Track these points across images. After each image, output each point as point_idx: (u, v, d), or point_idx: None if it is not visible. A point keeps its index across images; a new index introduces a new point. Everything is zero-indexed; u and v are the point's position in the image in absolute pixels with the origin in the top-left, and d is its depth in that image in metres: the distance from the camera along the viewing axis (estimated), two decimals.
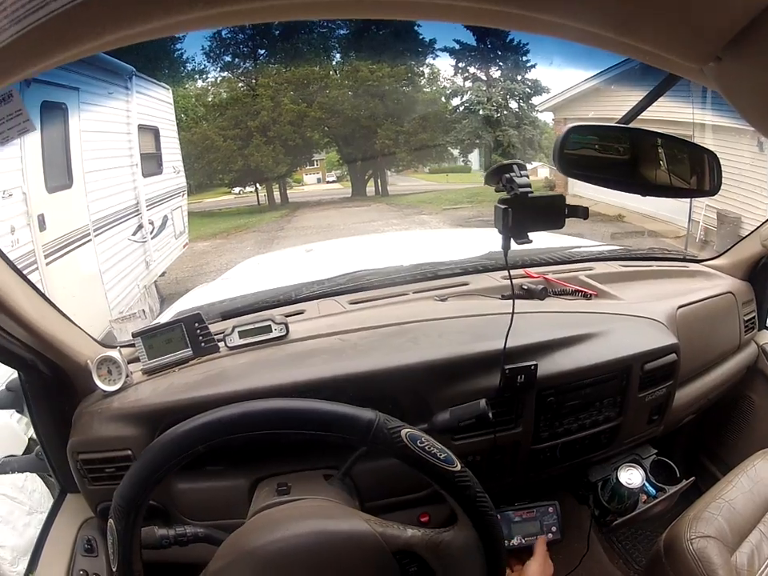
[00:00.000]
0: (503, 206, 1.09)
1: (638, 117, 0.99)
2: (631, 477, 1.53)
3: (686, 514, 1.57)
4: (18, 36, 0.39)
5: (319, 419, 0.91)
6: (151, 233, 6.39)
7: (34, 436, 1.92)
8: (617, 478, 1.53)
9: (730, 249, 2.14)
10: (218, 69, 14.13)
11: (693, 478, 1.62)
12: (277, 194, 15.65)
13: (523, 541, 1.41)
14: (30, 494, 1.83)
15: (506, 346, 1.31)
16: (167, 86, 7.53)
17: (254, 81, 14.17)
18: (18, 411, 1.53)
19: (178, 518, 1.33)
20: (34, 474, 1.83)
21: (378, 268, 2.01)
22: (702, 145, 1.09)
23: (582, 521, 1.68)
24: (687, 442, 2.30)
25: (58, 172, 4.63)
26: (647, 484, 1.56)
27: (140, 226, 6.16)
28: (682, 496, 1.62)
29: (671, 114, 6.43)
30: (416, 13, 0.48)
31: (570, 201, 1.12)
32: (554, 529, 1.42)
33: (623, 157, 0.99)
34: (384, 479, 1.32)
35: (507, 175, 1.12)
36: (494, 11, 0.46)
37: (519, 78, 15.04)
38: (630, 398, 1.54)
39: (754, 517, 1.58)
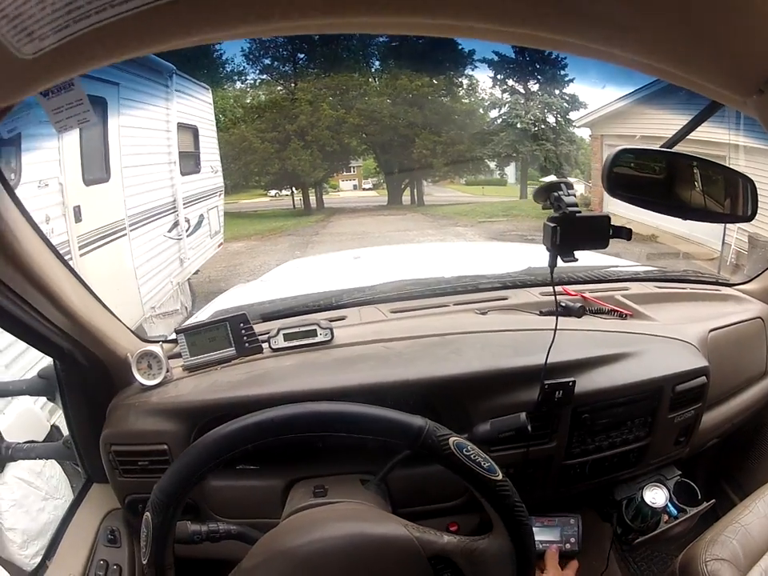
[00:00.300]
0: (552, 224, 1.10)
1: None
2: (656, 496, 1.55)
3: (703, 537, 1.54)
4: (98, 26, 0.40)
5: (371, 423, 0.94)
6: (187, 231, 6.43)
7: (57, 423, 1.95)
8: (642, 497, 1.55)
9: (761, 274, 2.14)
10: (257, 71, 14.33)
11: (713, 500, 1.62)
12: (312, 198, 15.77)
13: (540, 546, 1.43)
14: (48, 479, 1.85)
15: (547, 362, 1.32)
16: (207, 86, 7.60)
17: (293, 85, 14.30)
18: (49, 399, 1.54)
19: (208, 515, 1.34)
20: (53, 461, 1.86)
21: (419, 278, 2.06)
22: (737, 170, 1.11)
23: (602, 538, 1.71)
24: (709, 465, 2.28)
25: (96, 165, 4.67)
26: (670, 504, 1.57)
27: (176, 224, 6.20)
28: (699, 519, 1.61)
29: (707, 134, 6.34)
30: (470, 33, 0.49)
31: None
32: (572, 540, 1.47)
33: (659, 176, 1.02)
34: (417, 487, 1.35)
35: (555, 194, 1.13)
36: (558, 40, 0.47)
37: (557, 92, 15.02)
38: (659, 418, 1.54)
39: (766, 542, 1.56)
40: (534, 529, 1.42)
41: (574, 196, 1.13)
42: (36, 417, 2.31)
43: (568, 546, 1.46)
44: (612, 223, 1.13)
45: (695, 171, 1.02)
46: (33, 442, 1.59)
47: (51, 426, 2.31)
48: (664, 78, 0.52)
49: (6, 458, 1.47)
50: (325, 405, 0.95)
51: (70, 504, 1.54)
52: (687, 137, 1.02)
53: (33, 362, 2.51)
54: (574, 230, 1.11)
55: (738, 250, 7.37)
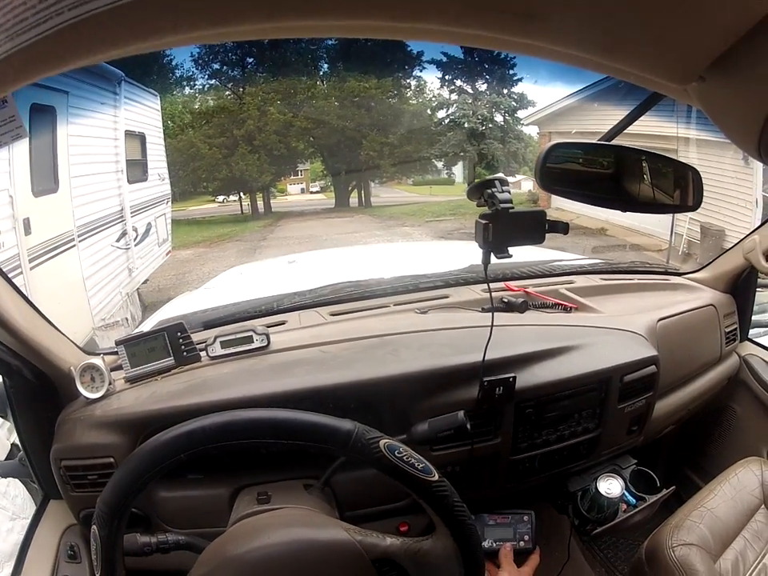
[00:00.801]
0: (484, 221, 1.12)
1: (627, 131, 1.01)
2: (610, 487, 1.56)
3: (668, 523, 1.59)
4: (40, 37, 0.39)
5: (299, 429, 0.93)
6: (135, 240, 6.35)
7: (17, 441, 1.90)
8: (596, 488, 1.56)
9: (712, 262, 2.18)
10: (206, 76, 14.11)
11: (673, 487, 1.64)
12: (260, 203, 15.60)
13: (494, 545, 1.46)
14: (13, 499, 1.82)
15: (486, 359, 1.33)
16: (155, 93, 7.51)
17: (241, 89, 14.13)
18: (1, 416, 1.52)
19: (159, 526, 1.34)
20: (16, 480, 1.82)
21: (359, 280, 2.03)
22: (684, 161, 1.10)
23: (562, 530, 1.72)
24: (669, 452, 2.33)
25: (45, 176, 4.61)
26: (627, 493, 1.58)
27: (124, 233, 6.13)
28: (664, 505, 1.65)
29: (655, 128, 6.51)
30: (403, 34, 0.49)
31: (553, 214, 1.15)
32: (526, 537, 1.47)
33: (607, 171, 1.00)
34: (363, 489, 1.35)
35: (489, 191, 1.14)
36: (477, 35, 0.46)
37: (505, 91, 15.16)
38: (609, 409, 1.56)
39: (737, 524, 1.61)
40: (487, 527, 1.47)
41: (509, 192, 1.14)
42: None
43: (522, 543, 1.47)
44: (548, 218, 1.16)
45: (644, 165, 1.01)
46: None
47: (11, 444, 2.25)
48: (596, 70, 0.53)
49: None
50: (254, 412, 0.94)
51: (30, 522, 1.50)
52: (638, 132, 1.03)
53: None
54: (508, 227, 1.12)
55: (689, 240, 7.58)
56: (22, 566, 1.38)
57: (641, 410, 1.64)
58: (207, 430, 0.91)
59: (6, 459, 2.07)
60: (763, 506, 1.68)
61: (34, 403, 1.41)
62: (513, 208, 1.11)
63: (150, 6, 0.36)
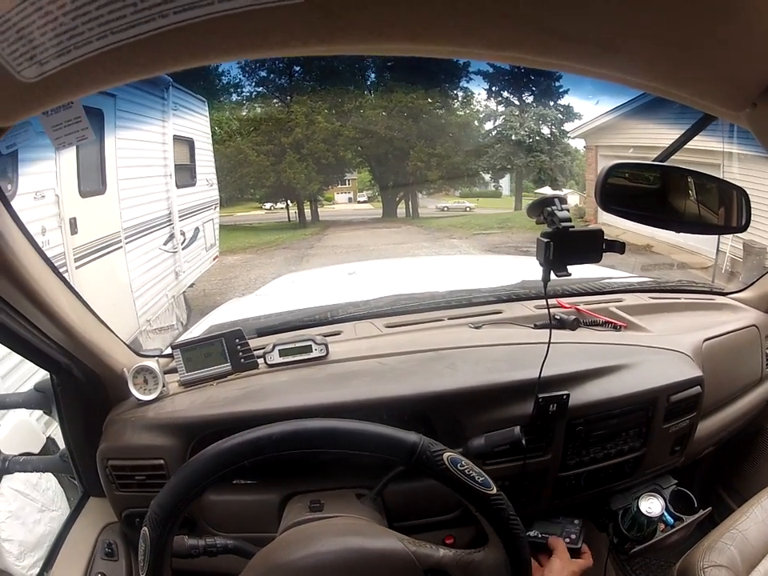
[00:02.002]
0: (546, 240, 1.11)
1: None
2: (651, 506, 1.53)
3: (701, 544, 1.55)
4: (99, 52, 0.40)
5: (367, 440, 0.95)
6: (182, 243, 6.41)
7: (53, 435, 1.94)
8: (637, 507, 1.54)
9: (755, 282, 2.15)
10: (254, 84, 14.37)
11: (710, 508, 1.61)
12: (307, 211, 15.79)
13: (539, 535, 1.43)
14: (44, 491, 1.85)
15: (541, 375, 1.32)
16: (203, 99, 7.60)
17: (288, 97, 14.34)
18: (45, 412, 1.54)
19: (205, 529, 1.34)
20: (49, 473, 1.85)
21: (414, 293, 2.05)
22: (731, 181, 1.12)
23: (599, 548, 1.65)
24: (706, 472, 2.28)
25: (92, 177, 4.66)
26: (666, 513, 1.56)
27: (171, 236, 6.18)
28: (697, 526, 1.60)
29: (701, 142, 6.36)
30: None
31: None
32: (573, 536, 1.44)
33: (653, 189, 1.02)
34: (412, 501, 1.35)
35: (549, 209, 1.14)
36: (538, 60, 0.47)
37: (552, 103, 15.13)
38: (654, 428, 1.54)
39: (766, 546, 1.56)
40: (536, 521, 1.44)
41: (568, 210, 1.14)
42: (31, 429, 2.29)
43: (568, 540, 1.43)
44: (605, 237, 1.15)
45: (690, 183, 1.03)
46: (29, 454, 1.58)
47: (47, 438, 2.30)
48: (656, 94, 0.53)
49: (2, 470, 1.46)
50: (322, 422, 0.96)
51: (67, 517, 1.53)
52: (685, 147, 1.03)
53: (30, 372, 2.51)
54: (567, 245, 1.12)
55: (732, 258, 7.40)
56: (55, 559, 1.41)
57: (684, 430, 1.62)
58: (274, 439, 0.92)
59: (40, 452, 2.11)
60: None
61: (82, 402, 1.41)
62: (573, 227, 1.11)
63: (265, 19, 0.38)
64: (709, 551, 1.49)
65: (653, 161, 1.00)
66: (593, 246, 1.15)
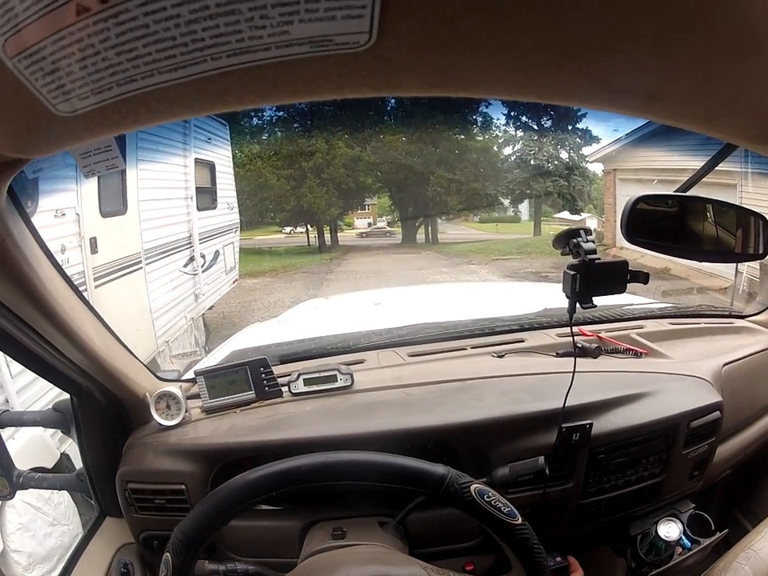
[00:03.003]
0: (572, 272, 1.13)
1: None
2: (670, 530, 1.54)
3: (716, 566, 1.52)
4: (143, 91, 0.39)
5: (396, 473, 0.97)
6: (202, 266, 6.45)
7: (67, 452, 1.94)
8: (656, 532, 1.54)
9: None
10: (275, 108, 14.52)
11: (726, 530, 1.60)
12: (327, 236, 15.88)
13: None
14: (56, 506, 1.85)
15: (565, 405, 1.33)
16: (225, 122, 7.69)
17: (309, 122, 14.51)
18: (63, 432, 1.54)
19: (224, 554, 1.34)
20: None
21: (437, 322, 2.06)
22: (749, 208, 1.13)
23: (616, 573, 1.69)
24: (722, 494, 2.25)
25: (113, 198, 4.71)
26: (684, 537, 1.55)
27: (191, 259, 6.24)
28: (713, 548, 1.59)
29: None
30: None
31: (618, 253, 1.14)
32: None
33: (676, 217, 1.05)
34: (434, 528, 1.34)
35: (575, 240, 1.15)
36: (582, 105, 0.48)
37: (570, 127, 15.16)
38: (674, 454, 1.54)
39: None
40: None
41: (593, 242, 1.15)
42: (45, 444, 2.28)
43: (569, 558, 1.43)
44: (629, 267, 1.16)
45: (708, 213, 1.05)
46: (43, 469, 1.58)
47: (61, 454, 2.30)
48: (687, 129, 0.53)
49: (17, 485, 1.46)
50: (351, 454, 0.97)
51: (83, 535, 1.54)
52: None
53: (46, 388, 2.51)
54: (592, 277, 1.13)
55: (750, 278, 7.37)
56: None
57: (703, 455, 1.61)
58: (304, 470, 0.94)
59: (53, 468, 2.12)
60: None
61: (102, 424, 1.42)
62: (599, 259, 1.13)
63: (322, 66, 0.37)
64: (724, 572, 1.48)
65: (675, 191, 1.05)
66: (617, 276, 1.16)
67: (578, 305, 1.16)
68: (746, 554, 1.52)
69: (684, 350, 1.84)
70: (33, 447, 2.18)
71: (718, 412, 1.58)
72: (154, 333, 5.15)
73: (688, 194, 1.05)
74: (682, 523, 1.57)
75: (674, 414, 1.50)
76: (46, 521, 1.78)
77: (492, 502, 0.97)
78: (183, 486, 1.31)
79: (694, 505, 1.66)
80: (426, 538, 1.34)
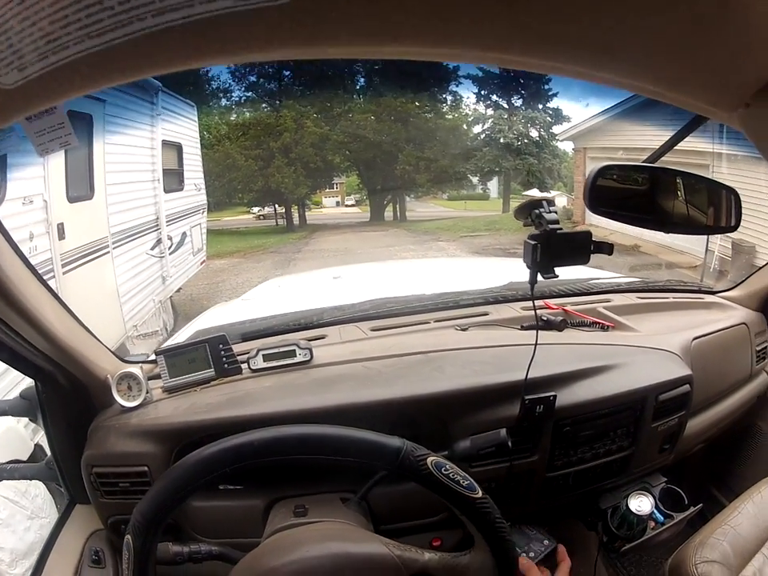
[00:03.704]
0: (533, 242, 1.10)
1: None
2: (641, 504, 1.54)
3: (692, 540, 1.56)
4: (78, 57, 0.39)
5: (349, 446, 0.94)
6: (169, 248, 6.39)
7: (41, 442, 1.93)
8: (627, 506, 1.55)
9: (744, 280, 2.16)
10: (243, 88, 14.37)
11: (701, 505, 1.63)
12: (295, 215, 15.77)
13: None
14: (33, 499, 1.83)
15: (527, 377, 1.32)
16: (192, 104, 7.59)
17: (277, 102, 14.36)
18: (31, 420, 1.52)
19: (190, 535, 1.32)
20: (38, 480, 1.84)
21: (399, 296, 2.03)
22: (720, 181, 1.11)
23: (589, 547, 1.70)
24: (696, 469, 2.29)
25: (80, 182, 4.65)
26: (656, 511, 1.57)
27: (159, 241, 6.18)
28: (688, 523, 1.62)
29: (690, 143, 6.39)
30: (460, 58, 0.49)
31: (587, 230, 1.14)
32: (531, 554, 1.40)
33: (642, 187, 1.01)
34: (398, 504, 1.33)
35: (537, 211, 1.13)
36: (530, 62, 0.46)
37: (541, 106, 15.20)
38: (643, 428, 1.54)
39: (758, 541, 1.58)
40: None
41: (556, 213, 1.13)
42: (19, 436, 2.28)
43: (524, 558, 1.40)
44: (593, 238, 1.14)
45: (678, 184, 1.02)
46: (17, 461, 1.57)
47: (35, 445, 2.28)
48: (649, 96, 0.52)
49: None
50: (304, 428, 0.95)
51: (54, 525, 1.49)
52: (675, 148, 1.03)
53: (18, 378, 2.49)
54: (554, 247, 1.11)
55: (721, 257, 7.46)
56: (43, 567, 1.39)
57: (673, 428, 1.62)
58: (256, 445, 0.92)
59: (28, 460, 2.10)
60: None
61: (67, 409, 1.40)
62: (561, 229, 1.11)
63: (248, 21, 0.36)
64: (701, 547, 1.50)
65: (643, 161, 1.00)
66: (581, 247, 1.14)
67: (540, 276, 1.13)
68: (723, 529, 1.56)
69: (652, 324, 1.85)
70: (7, 440, 2.17)
71: (687, 385, 1.59)
72: (122, 317, 5.11)
73: (656, 165, 1.00)
74: (654, 497, 1.59)
75: (642, 387, 1.50)
76: (24, 514, 1.77)
77: (450, 474, 0.95)
78: (146, 468, 1.29)
79: (666, 479, 1.67)
80: (391, 513, 1.34)
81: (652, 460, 1.65)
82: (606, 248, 1.15)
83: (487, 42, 0.42)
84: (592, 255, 1.15)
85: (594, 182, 0.97)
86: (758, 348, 2.04)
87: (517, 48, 0.43)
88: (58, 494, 1.77)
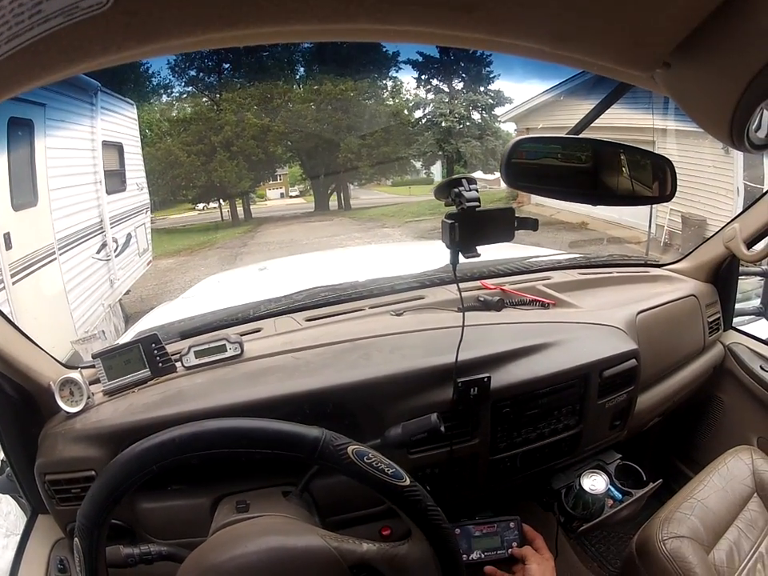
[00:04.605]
0: (450, 221, 1.12)
1: (601, 125, 1.01)
2: (594, 483, 1.54)
3: (657, 515, 1.60)
4: (25, 45, 0.39)
5: (267, 438, 0.93)
6: (115, 251, 6.31)
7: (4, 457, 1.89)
8: (580, 485, 1.55)
9: (692, 252, 2.19)
10: (183, 84, 14.10)
11: (660, 480, 1.64)
12: (240, 209, 15.58)
13: (483, 555, 1.42)
14: (6, 515, 1.80)
15: (460, 359, 1.33)
16: (132, 102, 7.47)
17: (218, 95, 14.11)
18: None
19: (143, 537, 1.34)
20: (8, 496, 1.81)
21: (334, 284, 2.02)
22: (659, 152, 1.11)
23: (549, 528, 1.66)
24: (657, 444, 2.34)
25: (24, 189, 4.58)
26: (612, 489, 1.58)
27: (104, 244, 6.10)
28: (655, 497, 1.65)
29: (632, 120, 6.54)
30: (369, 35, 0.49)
31: (532, 210, 1.16)
32: (514, 544, 1.43)
33: (584, 165, 1.01)
34: (343, 494, 1.33)
35: (456, 189, 1.13)
36: (419, 32, 0.47)
37: (482, 89, 15.23)
38: (589, 405, 1.56)
39: (729, 514, 1.62)
40: (473, 539, 1.44)
41: (476, 191, 1.13)
42: None
43: (510, 551, 1.42)
44: (517, 215, 1.16)
45: (622, 158, 1.03)
46: None
47: (1, 461, 2.23)
48: (562, 63, 0.53)
49: None
50: (223, 422, 0.95)
51: (20, 537, 1.49)
52: (614, 125, 1.04)
53: None
54: (476, 225, 1.13)
55: (671, 231, 7.63)
56: None
57: (622, 404, 1.64)
58: (177, 441, 0.91)
59: None
60: (756, 494, 1.69)
61: (17, 419, 1.39)
62: (479, 206, 1.12)
63: (75, 34, 0.37)
64: (667, 522, 1.55)
65: (567, 133, 1.01)
66: (504, 224, 1.16)
67: (462, 256, 1.15)
68: (689, 503, 1.60)
69: (594, 300, 1.86)
70: None
71: (633, 360, 1.60)
72: (73, 323, 5.05)
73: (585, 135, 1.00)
74: (609, 475, 1.59)
75: (583, 364, 1.51)
76: (0, 533, 1.74)
77: (373, 463, 0.94)
78: (93, 472, 1.29)
79: (620, 455, 1.70)
80: (337, 504, 1.35)
81: (603, 437, 1.67)
82: (531, 224, 1.18)
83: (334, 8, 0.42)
84: (519, 231, 1.17)
85: (510, 156, 0.97)
86: (711, 319, 2.07)
87: (375, 14, 0.43)
88: (26, 506, 1.75)
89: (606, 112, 0.96)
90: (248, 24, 0.41)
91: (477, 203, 1.11)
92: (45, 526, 1.48)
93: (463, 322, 1.28)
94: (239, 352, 1.48)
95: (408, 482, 0.96)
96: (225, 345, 1.48)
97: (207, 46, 0.46)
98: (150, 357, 1.45)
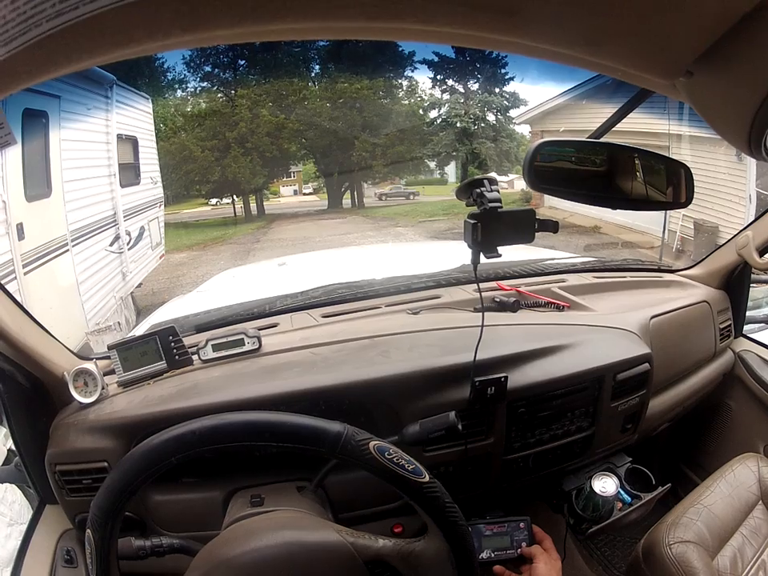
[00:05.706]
0: (473, 221, 1.11)
1: (616, 129, 1.00)
2: (605, 485, 1.54)
3: (664, 520, 1.59)
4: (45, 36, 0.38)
5: (289, 432, 0.93)
6: (128, 244, 6.32)
7: (13, 447, 1.90)
8: (590, 487, 1.55)
9: (705, 258, 2.17)
10: (198, 79, 14.17)
11: (669, 484, 1.63)
12: (253, 205, 15.61)
13: (492, 555, 1.42)
14: (11, 505, 1.80)
15: (477, 359, 1.33)
16: (147, 96, 7.50)
17: (233, 92, 14.16)
18: None
19: (155, 530, 1.33)
20: (14, 485, 1.81)
21: (351, 281, 2.02)
22: (676, 158, 1.09)
23: (557, 529, 1.66)
24: (665, 449, 2.32)
25: (38, 181, 4.58)
26: (622, 492, 1.58)
27: (117, 237, 6.11)
28: (662, 502, 1.64)
29: (647, 125, 6.50)
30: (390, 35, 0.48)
31: (546, 213, 1.15)
32: (524, 544, 1.42)
33: (599, 169, 0.99)
34: (357, 490, 1.34)
35: (478, 190, 1.13)
36: (458, 34, 0.46)
37: (497, 90, 15.22)
38: (602, 407, 1.56)
39: (735, 521, 1.61)
40: (484, 538, 1.43)
41: (498, 191, 1.13)
42: None
43: (519, 550, 1.42)
44: (537, 216, 1.15)
45: (636, 162, 1.01)
46: None
47: (8, 450, 2.24)
48: (588, 68, 0.53)
49: None
50: (244, 414, 0.94)
51: (27, 527, 1.48)
52: (630, 129, 1.03)
53: None
54: (497, 226, 1.12)
55: (683, 236, 7.58)
56: (20, 571, 1.38)
57: (635, 407, 1.63)
58: (198, 434, 0.91)
59: (2, 464, 2.06)
60: (761, 501, 1.68)
61: (29, 408, 1.40)
62: (501, 207, 1.11)
63: (129, 15, 0.36)
64: (673, 527, 1.53)
65: (587, 137, 0.99)
66: (524, 225, 1.15)
67: (483, 256, 1.14)
68: (696, 509, 1.59)
69: (609, 303, 1.85)
70: None
71: (647, 364, 1.59)
72: (84, 315, 5.05)
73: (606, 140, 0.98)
74: (619, 478, 1.59)
75: (597, 366, 1.51)
76: (3, 521, 1.74)
77: (394, 459, 0.93)
78: (105, 464, 1.29)
79: (630, 459, 1.69)
80: (350, 500, 1.35)
81: (615, 440, 1.66)
82: (551, 225, 1.17)
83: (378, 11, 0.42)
84: (537, 233, 1.16)
85: (533, 159, 0.96)
86: (722, 326, 2.06)
87: (421, 15, 0.43)
88: (32, 496, 1.75)
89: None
90: (296, 18, 0.41)
91: (499, 204, 1.11)
92: (52, 516, 1.47)
93: (482, 322, 1.28)
94: (257, 346, 1.49)
95: (427, 478, 0.95)
96: (243, 339, 1.48)
97: (247, 39, 0.45)
98: (166, 349, 1.45)
